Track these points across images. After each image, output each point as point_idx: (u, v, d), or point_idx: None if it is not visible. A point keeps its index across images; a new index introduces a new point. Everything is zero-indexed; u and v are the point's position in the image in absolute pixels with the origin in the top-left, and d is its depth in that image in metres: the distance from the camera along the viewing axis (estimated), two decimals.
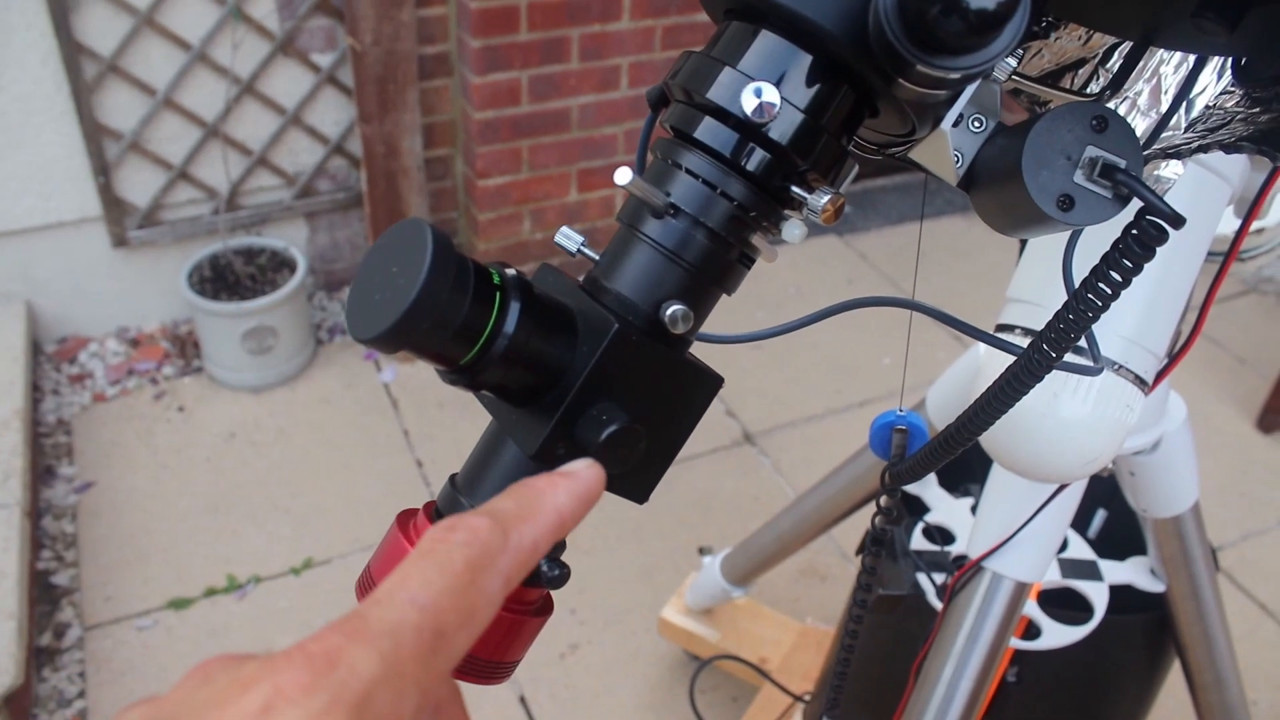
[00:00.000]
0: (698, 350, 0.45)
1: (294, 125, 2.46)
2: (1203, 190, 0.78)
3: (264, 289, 2.35)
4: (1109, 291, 0.43)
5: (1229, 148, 0.50)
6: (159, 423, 2.32)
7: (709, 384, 0.43)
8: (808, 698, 1.54)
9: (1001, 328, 0.80)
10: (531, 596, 0.42)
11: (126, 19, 2.16)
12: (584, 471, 0.37)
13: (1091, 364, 0.58)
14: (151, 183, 2.38)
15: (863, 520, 1.33)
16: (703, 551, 1.76)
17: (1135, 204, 0.41)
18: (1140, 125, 0.65)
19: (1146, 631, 1.20)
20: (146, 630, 1.86)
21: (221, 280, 2.38)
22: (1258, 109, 0.55)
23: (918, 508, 1.29)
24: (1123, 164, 0.40)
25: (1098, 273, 0.43)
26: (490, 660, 0.41)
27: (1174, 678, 1.27)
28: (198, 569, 1.98)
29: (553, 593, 0.44)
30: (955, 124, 0.44)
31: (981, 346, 1.00)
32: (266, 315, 2.31)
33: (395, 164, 2.44)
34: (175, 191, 2.42)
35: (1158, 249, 0.41)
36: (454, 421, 2.34)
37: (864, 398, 2.51)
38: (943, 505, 1.29)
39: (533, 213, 2.68)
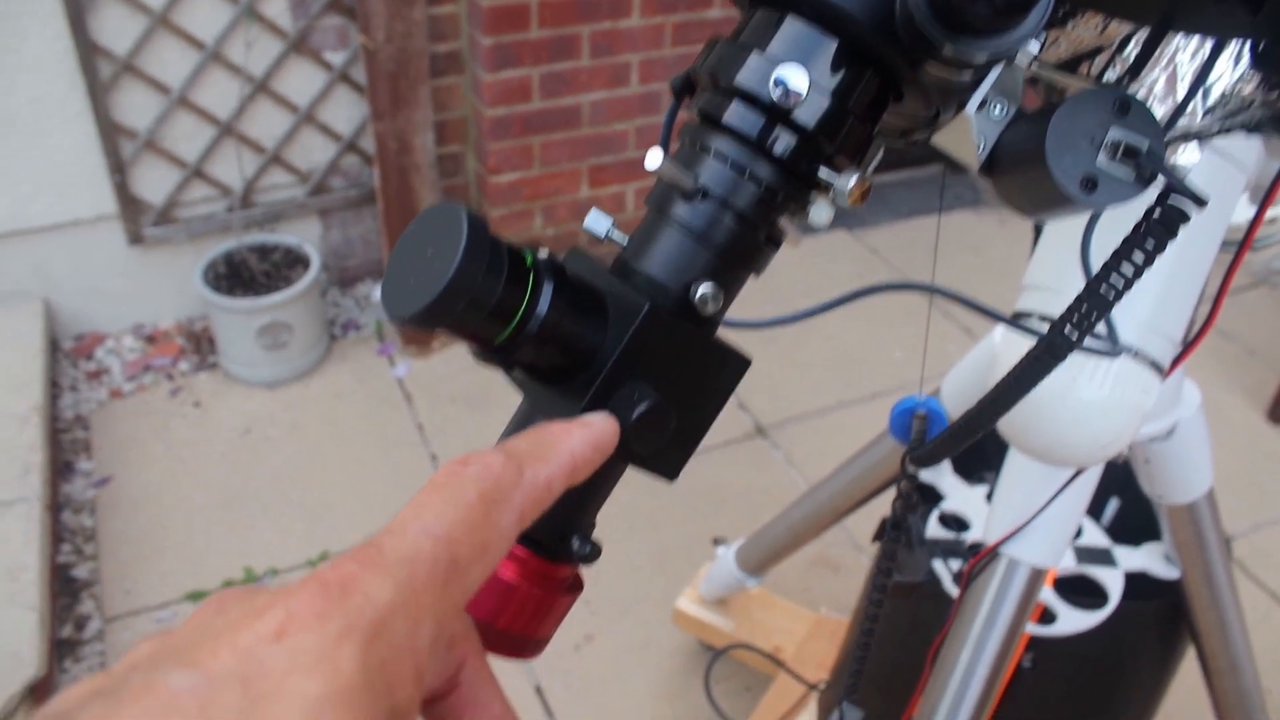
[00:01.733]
0: (719, 335, 0.45)
1: (307, 123, 2.47)
2: (1218, 177, 0.79)
3: (278, 285, 2.36)
4: (1131, 273, 0.44)
5: (1251, 129, 0.50)
6: (175, 418, 2.33)
7: (737, 364, 0.44)
8: (822, 686, 1.55)
9: (1019, 314, 0.81)
10: (562, 574, 0.43)
11: (141, 19, 2.18)
12: (599, 421, 0.38)
13: (1111, 346, 0.59)
14: (166, 181, 2.39)
15: (876, 510, 1.34)
16: (717, 542, 1.77)
17: (1155, 188, 0.41)
18: (1157, 112, 0.66)
19: (1161, 618, 1.21)
20: (165, 622, 1.88)
21: (236, 277, 2.39)
22: (1275, 94, 0.56)
23: (933, 496, 1.30)
24: (1145, 145, 0.41)
25: (1120, 254, 0.44)
26: (520, 634, 0.42)
27: (1188, 664, 1.28)
28: (215, 562, 2.00)
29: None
30: (979, 109, 0.44)
31: (997, 335, 1.01)
32: (281, 311, 2.32)
33: (408, 160, 2.45)
34: (190, 189, 2.43)
35: (1179, 230, 0.42)
36: (467, 416, 2.36)
37: (875, 390, 2.52)
38: (958, 493, 1.29)
39: (544, 209, 2.69)
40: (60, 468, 2.17)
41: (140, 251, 2.46)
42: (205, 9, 2.24)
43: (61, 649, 1.82)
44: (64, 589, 1.93)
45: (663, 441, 0.41)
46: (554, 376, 0.41)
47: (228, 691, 0.22)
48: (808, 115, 0.40)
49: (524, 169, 2.59)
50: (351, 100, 2.51)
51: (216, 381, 2.44)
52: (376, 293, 2.75)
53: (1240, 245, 0.82)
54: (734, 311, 0.46)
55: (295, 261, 2.45)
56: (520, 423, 0.44)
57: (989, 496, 1.28)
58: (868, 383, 2.54)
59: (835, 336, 2.65)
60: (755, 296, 0.45)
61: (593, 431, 0.37)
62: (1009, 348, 0.86)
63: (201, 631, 0.24)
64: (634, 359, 0.40)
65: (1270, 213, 1.09)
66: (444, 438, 2.31)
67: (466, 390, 2.41)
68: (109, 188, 2.34)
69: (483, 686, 0.33)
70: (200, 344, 2.53)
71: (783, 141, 0.41)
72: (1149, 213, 0.43)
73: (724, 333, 0.46)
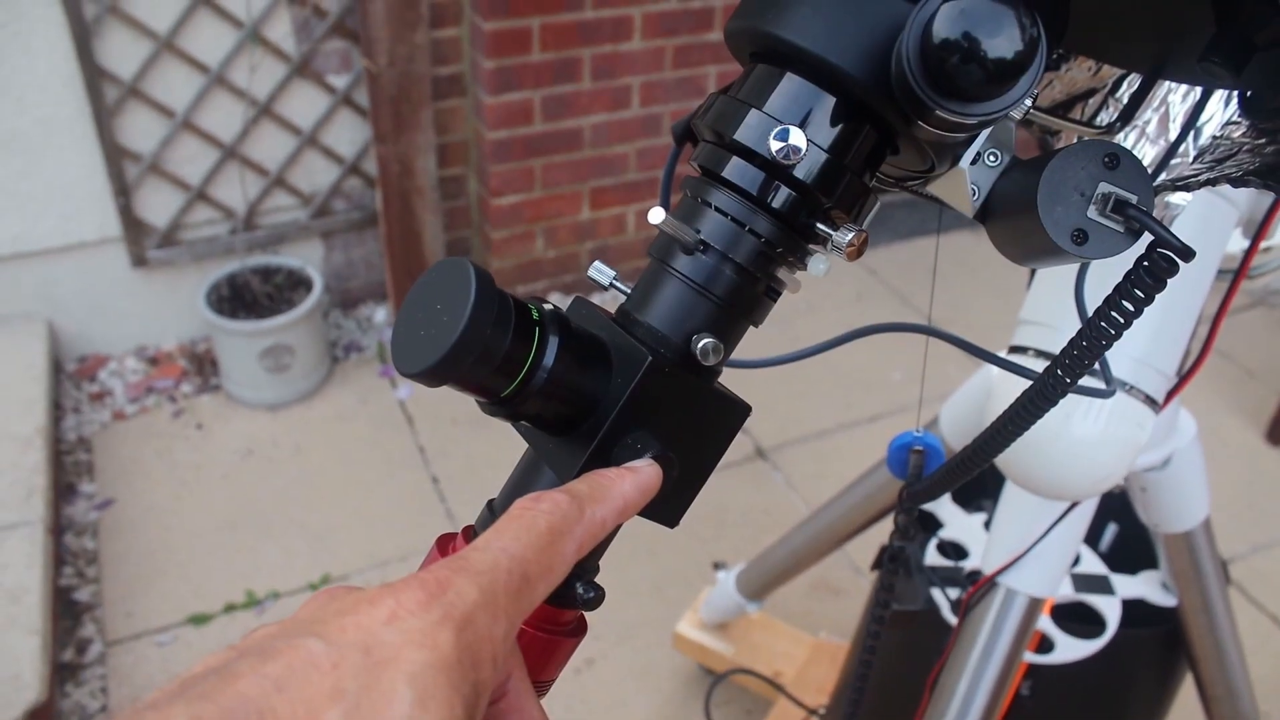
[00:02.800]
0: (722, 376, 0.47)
1: (310, 146, 2.49)
2: (1211, 214, 0.80)
3: (281, 308, 2.38)
4: (1121, 320, 0.45)
5: (1236, 182, 0.52)
6: (177, 440, 2.34)
7: (737, 412, 0.45)
8: (822, 711, 1.56)
9: (1015, 349, 0.82)
10: (566, 618, 0.44)
11: (147, 43, 2.20)
12: (646, 468, 0.41)
13: (1104, 387, 0.60)
14: (170, 203, 2.41)
15: (876, 535, 1.34)
16: (717, 566, 1.77)
17: (1146, 237, 0.42)
18: (1149, 153, 0.67)
19: (1159, 645, 1.22)
20: (167, 646, 1.88)
21: (239, 299, 2.41)
22: (1264, 140, 0.57)
23: (932, 524, 1.31)
24: (1134, 199, 0.42)
25: (1111, 302, 0.45)
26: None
27: (1186, 690, 1.28)
28: (217, 585, 2.00)
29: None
30: (972, 162, 0.45)
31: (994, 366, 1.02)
32: (283, 334, 2.33)
33: (410, 183, 2.47)
34: (194, 212, 2.45)
35: (1167, 282, 0.43)
36: (469, 438, 2.36)
37: (874, 413, 2.53)
38: (956, 521, 1.30)
39: (545, 231, 2.71)
40: (63, 490, 2.18)
41: (144, 274, 2.48)
42: (210, 33, 2.26)
43: (63, 672, 1.83)
44: (65, 612, 1.93)
45: (665, 490, 0.42)
46: (559, 426, 0.42)
47: (353, 655, 0.28)
48: (806, 171, 0.41)
49: (525, 191, 2.61)
50: (354, 123, 2.52)
51: (219, 403, 2.45)
52: (379, 315, 2.76)
53: (1233, 279, 0.83)
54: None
55: (298, 284, 2.46)
56: (525, 471, 0.45)
57: (987, 525, 1.29)
58: (867, 405, 2.55)
59: (834, 359, 2.66)
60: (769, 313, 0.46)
61: (641, 477, 0.41)
62: (1005, 380, 0.87)
63: (321, 614, 0.31)
64: (636, 409, 0.41)
65: (1265, 243, 1.10)
66: (446, 460, 2.32)
67: (468, 412, 2.42)
68: (113, 210, 2.35)
69: (525, 696, 0.39)
70: (203, 366, 2.54)
71: (781, 196, 0.42)
72: (1138, 263, 0.44)
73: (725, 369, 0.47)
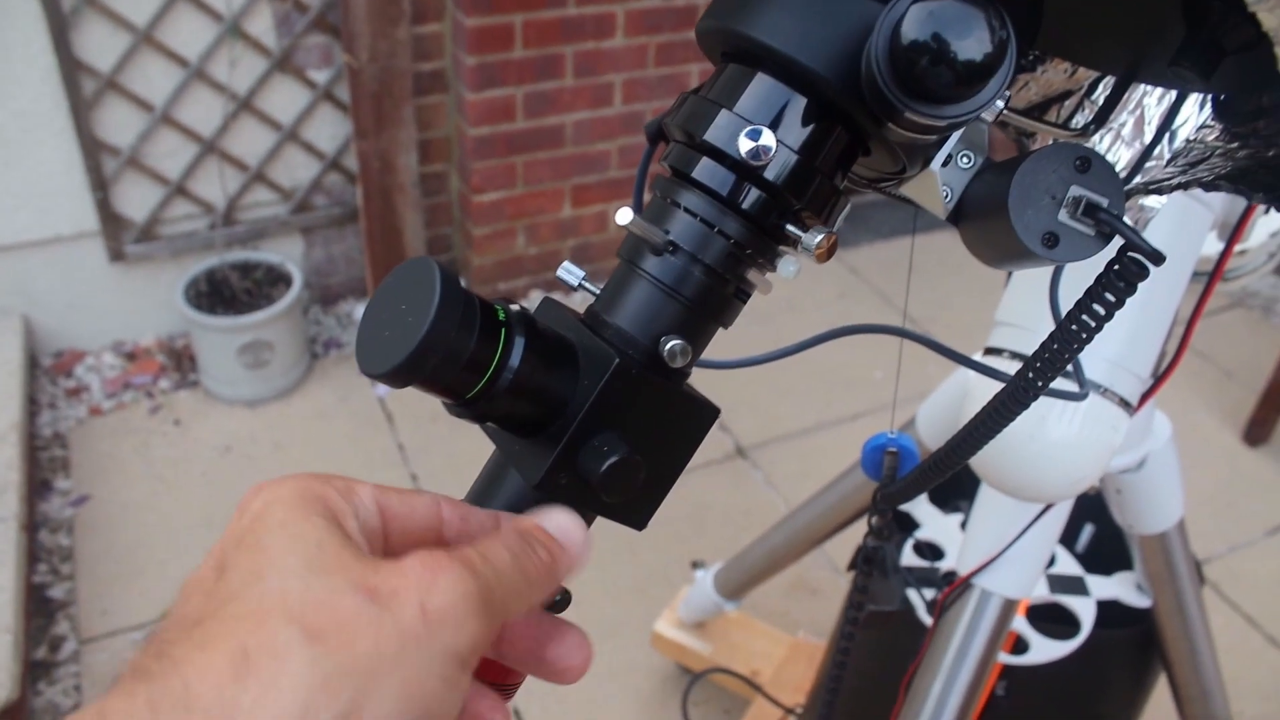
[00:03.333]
0: (695, 375, 0.46)
1: (291, 141, 2.48)
2: (1186, 216, 0.80)
3: (260, 303, 2.36)
4: (1093, 324, 0.45)
5: (1208, 186, 0.52)
6: (155, 436, 2.32)
7: (706, 414, 0.44)
8: (799, 710, 1.56)
9: (990, 351, 0.82)
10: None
11: (125, 36, 2.18)
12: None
13: (1077, 389, 0.60)
14: (149, 198, 2.39)
15: (854, 534, 1.35)
16: (695, 565, 1.77)
17: (1118, 240, 0.42)
18: (1124, 155, 0.67)
19: (1133, 646, 1.22)
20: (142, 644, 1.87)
21: (218, 294, 2.39)
22: (1236, 144, 0.57)
23: (908, 524, 1.31)
24: (1105, 203, 0.42)
25: (1082, 306, 0.45)
26: (492, 680, 0.43)
27: (1160, 691, 1.29)
28: None
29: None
30: (944, 163, 0.45)
31: None
32: (262, 329, 2.32)
33: (391, 179, 2.46)
34: (172, 206, 2.43)
35: (1137, 285, 0.43)
36: (449, 435, 2.36)
37: (855, 411, 2.53)
38: (933, 521, 1.30)
39: (527, 228, 2.70)
40: (37, 486, 2.16)
41: (121, 268, 2.46)
42: (189, 26, 2.24)
43: (35, 671, 1.81)
44: (39, 610, 1.92)
45: (632, 493, 0.42)
46: (526, 428, 0.42)
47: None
48: (776, 172, 0.41)
49: (507, 188, 2.60)
50: (335, 119, 2.51)
51: (197, 400, 2.44)
52: (359, 311, 2.75)
53: (1207, 283, 0.83)
54: (718, 330, 0.47)
55: (277, 279, 2.45)
56: (492, 473, 0.44)
57: (964, 525, 1.29)
58: (848, 403, 2.55)
59: (815, 357, 2.66)
60: (740, 313, 0.46)
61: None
62: (981, 382, 0.87)
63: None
64: (604, 411, 0.41)
65: (1240, 245, 1.11)
66: (425, 457, 2.31)
67: None
68: (91, 204, 2.33)
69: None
70: (181, 362, 2.52)
71: (751, 198, 0.42)
72: (1108, 267, 0.44)
73: (698, 370, 0.46)
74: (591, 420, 0.41)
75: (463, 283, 0.39)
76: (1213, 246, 0.91)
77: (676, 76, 2.66)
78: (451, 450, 2.32)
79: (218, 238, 2.47)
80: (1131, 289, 0.44)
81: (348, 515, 0.35)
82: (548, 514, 0.40)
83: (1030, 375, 0.47)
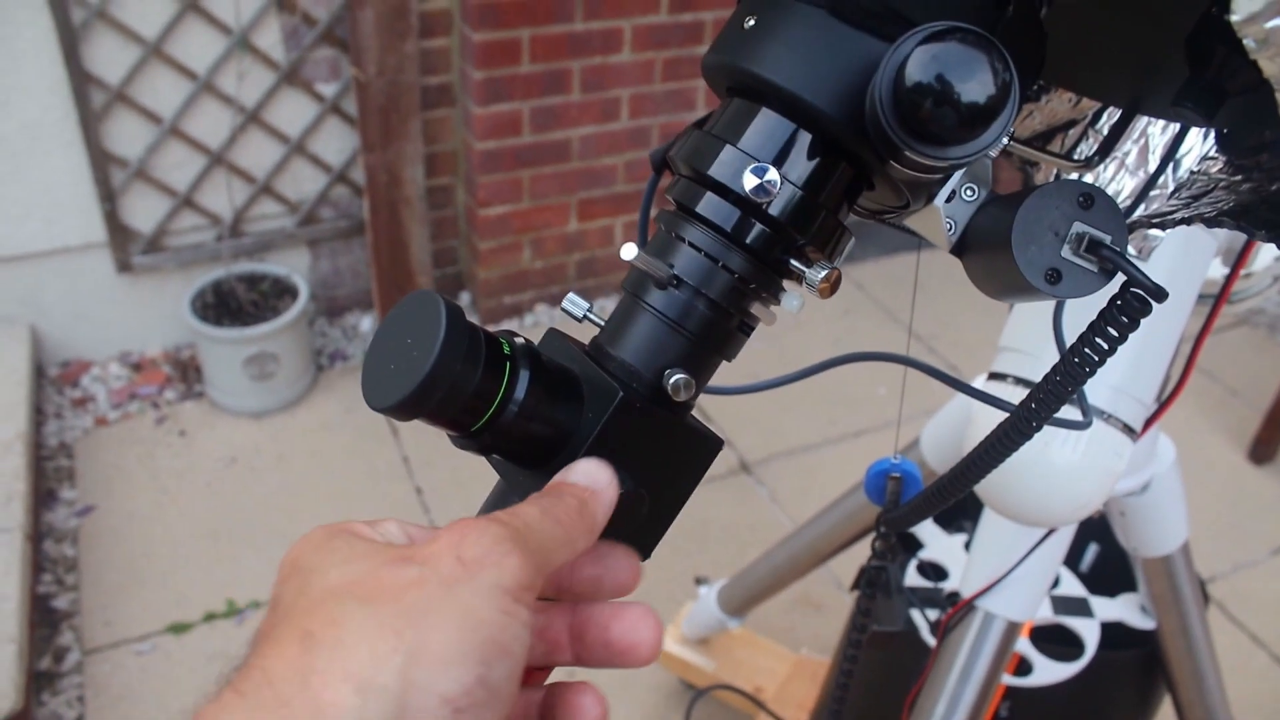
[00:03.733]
0: (700, 395, 0.46)
1: (298, 154, 2.49)
2: (1190, 243, 0.81)
3: (266, 315, 2.37)
4: (1096, 358, 0.45)
5: (1210, 222, 0.52)
6: (160, 447, 2.33)
7: (709, 447, 0.44)
8: None
9: (994, 376, 0.82)
10: None
11: (135, 49, 2.19)
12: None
13: (1081, 418, 0.60)
14: (156, 209, 2.40)
15: (859, 552, 1.34)
16: (699, 582, 1.77)
17: (1121, 276, 0.42)
18: (1128, 184, 0.68)
19: (1137, 668, 1.22)
20: (145, 655, 1.87)
21: (224, 306, 2.40)
22: (1239, 176, 0.57)
23: (912, 544, 1.31)
24: (1108, 239, 0.42)
25: (1085, 340, 0.45)
26: None
27: (1165, 714, 1.29)
28: (197, 594, 1.99)
29: None
30: (948, 199, 0.45)
31: (978, 385, 1.02)
32: (268, 341, 2.32)
33: (397, 193, 2.46)
34: (180, 218, 2.44)
35: (1140, 321, 0.43)
36: (454, 449, 2.33)
37: (859, 428, 2.53)
38: (937, 542, 1.30)
39: (533, 242, 2.71)
40: (43, 496, 2.16)
41: (128, 279, 2.47)
42: (198, 39, 2.25)
43: (39, 681, 1.82)
44: (43, 620, 1.92)
45: (636, 525, 0.42)
46: (530, 460, 0.42)
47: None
48: (780, 209, 0.41)
49: (513, 202, 2.61)
50: (342, 132, 2.52)
51: (203, 411, 2.44)
52: (364, 323, 2.76)
53: (1212, 307, 0.84)
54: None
55: (283, 291, 2.46)
56: (495, 504, 0.45)
57: (968, 546, 1.29)
58: (852, 420, 2.55)
59: (819, 374, 2.66)
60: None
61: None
62: (984, 407, 0.87)
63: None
64: (607, 444, 0.41)
65: (1245, 269, 1.11)
66: (430, 470, 2.32)
67: None
68: (99, 215, 2.34)
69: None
70: (187, 373, 2.53)
71: (755, 233, 0.42)
72: (1111, 302, 0.44)
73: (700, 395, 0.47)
74: (595, 453, 0.41)
75: (469, 316, 0.39)
76: (1217, 270, 0.92)
77: (683, 91, 2.67)
78: (456, 464, 2.32)
79: (224, 249, 2.47)
80: (1134, 325, 0.44)
81: (374, 533, 0.38)
82: (570, 467, 0.41)
83: (1034, 407, 0.47)
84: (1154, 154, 0.66)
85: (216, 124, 2.36)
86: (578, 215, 2.72)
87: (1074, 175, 0.66)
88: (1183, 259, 0.79)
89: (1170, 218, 0.54)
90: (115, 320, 2.51)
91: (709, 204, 0.42)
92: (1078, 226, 0.42)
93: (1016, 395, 0.76)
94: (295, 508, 2.20)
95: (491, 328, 0.42)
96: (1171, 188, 0.65)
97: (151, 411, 2.42)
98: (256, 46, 2.30)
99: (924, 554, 1.28)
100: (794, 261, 0.43)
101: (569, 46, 2.44)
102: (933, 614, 1.16)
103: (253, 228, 2.54)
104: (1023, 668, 1.16)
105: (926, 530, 1.31)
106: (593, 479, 0.40)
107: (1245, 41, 0.37)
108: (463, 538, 0.34)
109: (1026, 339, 0.80)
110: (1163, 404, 0.83)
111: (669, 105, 2.67)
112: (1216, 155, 0.60)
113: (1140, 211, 0.63)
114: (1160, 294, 0.43)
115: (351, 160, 2.55)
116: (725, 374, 0.48)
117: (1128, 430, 0.78)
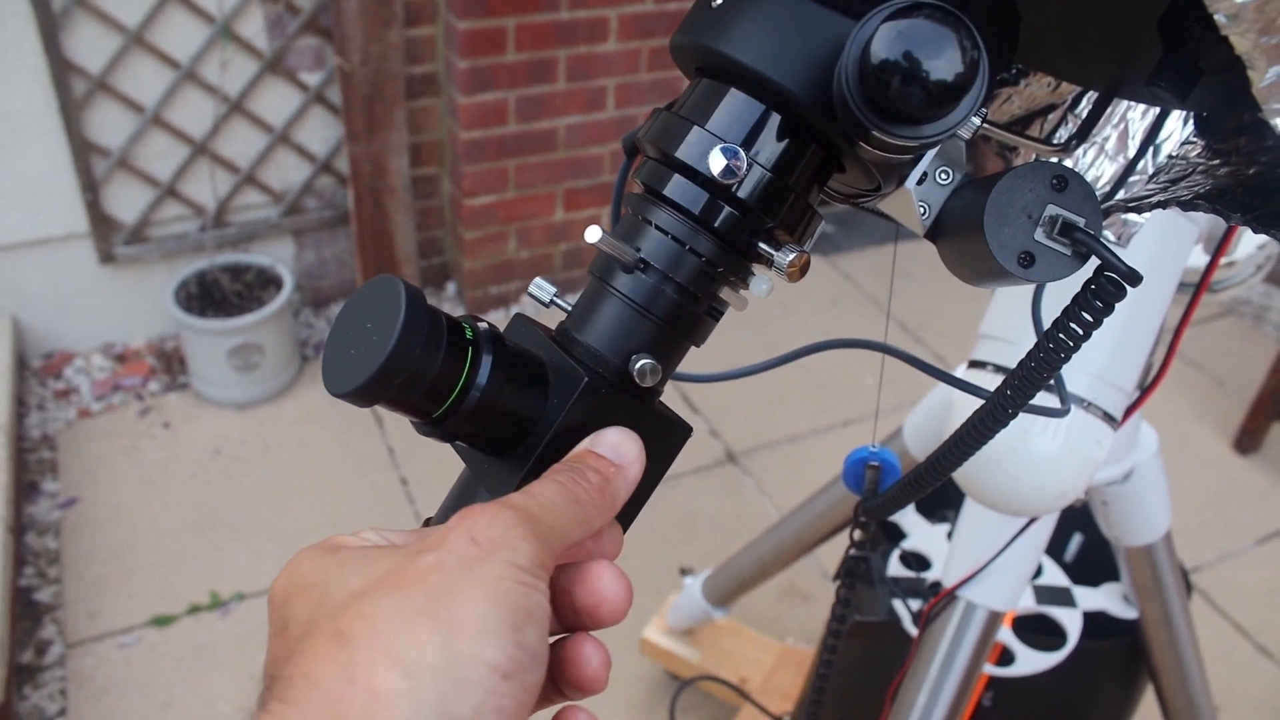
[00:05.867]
0: (679, 389, 0.46)
1: (282, 143, 2.47)
2: (1170, 230, 0.80)
3: (250, 306, 2.36)
4: (1071, 343, 0.44)
5: (1186, 205, 0.51)
6: (144, 439, 2.32)
7: (678, 433, 0.44)
8: (788, 718, 1.55)
9: (974, 364, 0.81)
10: None
11: (116, 37, 2.17)
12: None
13: (1059, 406, 0.59)
14: (139, 199, 2.38)
15: (845, 542, 1.34)
16: (684, 572, 1.77)
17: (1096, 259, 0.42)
18: (1108, 169, 0.67)
19: (1120, 658, 1.22)
20: (129, 647, 1.86)
21: (208, 297, 2.38)
22: (1218, 161, 0.56)
23: (894, 533, 1.30)
24: (1081, 222, 0.41)
25: (1059, 325, 0.44)
26: None
27: (1147, 703, 1.29)
28: (181, 586, 1.98)
29: None
30: (920, 181, 0.45)
31: (960, 374, 1.02)
32: (252, 332, 2.31)
33: (382, 183, 2.45)
34: (163, 208, 2.42)
35: (1115, 305, 0.43)
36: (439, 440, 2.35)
37: (846, 417, 2.53)
38: (919, 531, 1.30)
39: (518, 232, 2.70)
40: (25, 488, 2.15)
41: (111, 270, 2.45)
42: (180, 28, 2.23)
43: (21, 675, 1.80)
44: (25, 613, 1.91)
45: None
46: (495, 447, 0.42)
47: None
48: (748, 191, 0.41)
49: (499, 192, 2.59)
50: (327, 121, 2.51)
51: (187, 402, 2.43)
52: None
53: (1192, 296, 0.83)
54: (720, 330, 0.46)
55: (268, 282, 2.44)
56: (460, 491, 0.44)
57: (950, 535, 1.29)
58: (839, 409, 2.55)
59: (806, 363, 2.66)
60: (729, 321, 0.46)
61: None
62: (963, 395, 0.86)
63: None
64: (573, 430, 0.41)
65: (1227, 257, 1.11)
66: (415, 460, 2.31)
67: None
68: (81, 206, 2.33)
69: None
70: (171, 364, 2.51)
71: (723, 216, 0.41)
72: (1085, 286, 0.43)
73: (686, 384, 0.46)
74: (560, 439, 0.40)
75: (455, 307, 0.39)
76: (1199, 259, 0.91)
77: (669, 81, 2.66)
78: (441, 454, 2.30)
79: (208, 240, 2.46)
80: (1109, 309, 0.43)
81: (365, 541, 0.38)
82: (599, 435, 0.41)
83: (1009, 393, 0.47)
84: (1134, 139, 0.66)
85: (199, 113, 2.34)
86: (564, 205, 2.71)
87: (1053, 159, 0.66)
88: (1163, 246, 0.79)
89: (1146, 201, 0.54)
90: (98, 311, 2.50)
91: (676, 186, 0.42)
92: (1051, 209, 0.41)
93: (995, 383, 0.76)
94: (280, 499, 2.19)
95: (488, 321, 0.41)
96: (1150, 173, 0.64)
97: (135, 403, 2.41)
98: (240, 35, 2.28)
99: (906, 544, 1.28)
100: (763, 245, 0.42)
101: (555, 35, 2.43)
102: (915, 604, 1.16)
103: (237, 218, 2.53)
104: (1005, 657, 1.16)
105: (909, 520, 1.31)
106: (619, 453, 0.41)
107: (1217, 17, 0.36)
108: (473, 522, 0.34)
109: (1006, 326, 0.80)
110: (1144, 392, 0.83)
111: (655, 94, 2.66)
112: (1195, 139, 0.59)
113: (1119, 196, 0.62)
114: (1134, 278, 0.42)
115: (336, 150, 2.54)
116: (711, 363, 0.47)
117: (1108, 418, 0.77)
